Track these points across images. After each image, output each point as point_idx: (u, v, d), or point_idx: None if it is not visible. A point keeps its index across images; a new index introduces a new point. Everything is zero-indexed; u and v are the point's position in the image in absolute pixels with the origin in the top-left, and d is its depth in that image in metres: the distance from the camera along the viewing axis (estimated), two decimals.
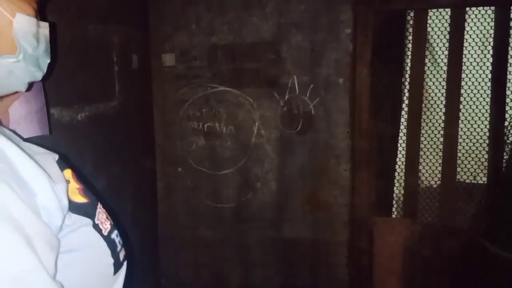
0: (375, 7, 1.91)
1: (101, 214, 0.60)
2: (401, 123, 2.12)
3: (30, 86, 0.68)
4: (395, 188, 2.19)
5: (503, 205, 1.94)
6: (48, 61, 0.68)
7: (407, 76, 2.07)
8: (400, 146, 2.13)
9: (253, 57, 2.02)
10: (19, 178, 0.47)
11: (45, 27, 0.66)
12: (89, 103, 1.69)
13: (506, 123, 1.96)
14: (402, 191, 2.12)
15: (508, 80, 1.95)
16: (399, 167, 2.16)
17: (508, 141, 1.99)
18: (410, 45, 2.04)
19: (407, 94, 2.06)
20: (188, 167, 2.17)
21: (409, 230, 2.04)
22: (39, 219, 0.47)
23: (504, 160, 1.97)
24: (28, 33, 0.61)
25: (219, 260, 2.19)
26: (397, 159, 2.15)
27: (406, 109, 2.07)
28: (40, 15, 0.66)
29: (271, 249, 2.12)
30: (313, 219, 2.05)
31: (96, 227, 0.57)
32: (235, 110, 2.07)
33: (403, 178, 2.11)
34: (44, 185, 0.49)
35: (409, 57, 2.04)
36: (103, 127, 1.78)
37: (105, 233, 0.58)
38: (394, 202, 2.20)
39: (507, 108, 1.95)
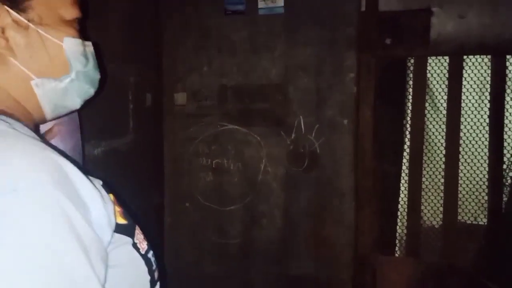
0: (377, 54, 2.02)
1: (139, 235, 0.65)
2: (403, 164, 2.19)
3: (84, 105, 0.74)
4: (397, 227, 2.23)
5: (504, 246, 1.97)
6: (99, 77, 0.74)
7: (408, 118, 2.16)
8: (402, 186, 2.19)
9: (261, 98, 2.12)
10: (78, 195, 0.52)
11: (89, 45, 0.73)
12: (105, 139, 1.77)
13: (504, 166, 2.03)
14: (405, 230, 2.16)
15: (505, 125, 2.04)
16: (401, 207, 2.21)
17: (507, 183, 2.06)
18: (411, 90, 2.14)
19: (408, 136, 2.15)
20: (196, 202, 2.22)
21: (412, 269, 2.06)
22: (95, 233, 0.52)
23: (503, 202, 2.02)
24: (77, 52, 0.68)
25: None
26: (400, 199, 2.20)
27: (407, 150, 2.14)
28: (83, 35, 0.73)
29: (276, 285, 2.14)
30: (318, 256, 2.08)
31: (135, 246, 0.62)
32: (243, 147, 2.15)
33: (405, 217, 2.16)
34: (98, 203, 0.54)
35: (410, 100, 2.14)
36: (116, 162, 1.85)
37: (143, 252, 0.64)
38: (397, 241, 2.23)
39: (504, 151, 2.03)
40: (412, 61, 2.12)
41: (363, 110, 2.05)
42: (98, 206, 0.54)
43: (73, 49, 0.67)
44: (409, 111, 2.15)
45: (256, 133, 2.13)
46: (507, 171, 2.02)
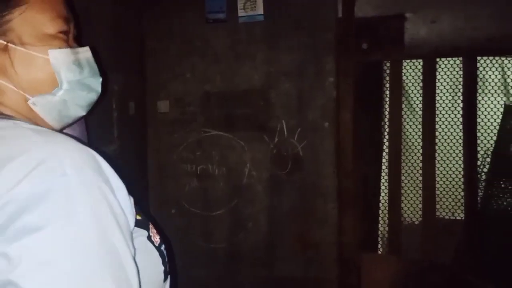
0: (355, 58, 2.10)
1: (152, 229, 0.69)
2: (382, 164, 2.26)
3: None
4: (379, 225, 2.30)
5: (482, 240, 2.06)
6: (100, 79, 0.76)
7: (386, 120, 2.24)
8: (383, 185, 2.26)
9: (244, 103, 2.16)
10: (109, 182, 0.58)
11: (85, 51, 0.74)
12: (92, 148, 1.78)
13: (479, 163, 2.13)
14: (387, 228, 2.23)
15: (478, 123, 2.14)
16: (382, 205, 2.28)
17: (481, 179, 2.15)
18: (388, 92, 2.22)
19: (387, 137, 2.22)
20: (181, 208, 2.24)
21: (395, 266, 2.13)
22: (125, 216, 0.58)
23: (479, 197, 2.11)
24: (67, 62, 0.69)
25: None
26: (380, 198, 2.27)
27: (387, 150, 2.22)
28: (77, 41, 0.74)
29: (263, 287, 2.17)
30: (304, 257, 2.12)
31: (149, 238, 0.67)
32: (227, 152, 2.18)
33: (387, 215, 2.23)
34: (123, 193, 0.60)
35: (387, 102, 2.22)
36: None
37: (156, 245, 0.68)
38: (379, 239, 2.30)
39: (478, 149, 2.12)
40: (388, 64, 2.20)
41: (343, 113, 2.11)
42: (124, 195, 0.60)
43: (61, 59, 0.68)
44: (386, 113, 2.23)
45: (240, 138, 2.17)
46: (481, 167, 2.11)
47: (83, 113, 0.75)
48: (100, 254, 0.52)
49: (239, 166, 2.17)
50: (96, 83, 0.76)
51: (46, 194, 0.50)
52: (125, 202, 0.60)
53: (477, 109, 2.13)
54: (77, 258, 0.50)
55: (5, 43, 0.64)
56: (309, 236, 2.10)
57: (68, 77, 0.69)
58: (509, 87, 2.27)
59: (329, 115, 2.08)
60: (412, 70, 2.26)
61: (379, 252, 2.30)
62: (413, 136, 2.26)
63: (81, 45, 0.75)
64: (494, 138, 2.18)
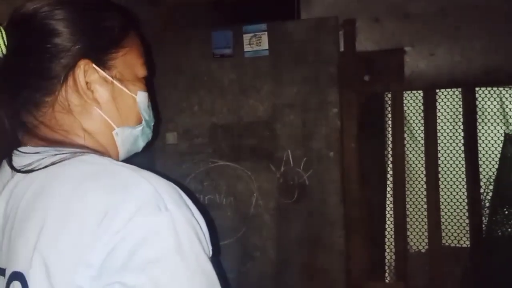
0: (357, 90, 2.17)
1: None
2: (387, 192, 2.30)
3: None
4: (386, 253, 2.31)
5: (488, 267, 2.07)
6: (153, 123, 0.85)
7: (389, 149, 2.29)
8: (388, 213, 2.29)
9: (250, 134, 2.22)
10: (195, 216, 0.64)
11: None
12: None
13: (482, 190, 2.16)
14: (393, 256, 2.24)
15: (479, 152, 2.18)
16: (388, 233, 2.30)
17: (485, 207, 2.18)
18: (390, 122, 2.29)
19: (390, 165, 2.27)
20: None
21: None
22: (208, 246, 0.65)
23: (483, 224, 2.14)
24: (145, 104, 0.80)
25: None
26: (386, 226, 2.30)
27: (391, 178, 2.26)
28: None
29: None
30: (311, 285, 2.13)
31: None
32: (235, 182, 2.23)
33: (393, 243, 2.25)
34: (203, 222, 0.66)
35: (390, 132, 2.28)
36: None
37: None
38: (386, 267, 2.30)
39: (481, 176, 2.16)
40: (389, 95, 2.27)
41: (347, 143, 2.17)
42: (203, 223, 0.66)
43: (143, 101, 0.79)
44: (389, 142, 2.29)
45: (247, 168, 2.22)
46: (484, 195, 2.15)
47: (140, 149, 0.84)
48: (202, 280, 0.59)
49: (246, 195, 2.21)
50: (152, 125, 0.85)
51: (157, 228, 0.58)
52: (206, 230, 0.66)
53: (478, 138, 2.18)
54: (191, 282, 0.58)
55: (111, 78, 0.73)
56: (316, 264, 2.12)
57: (145, 117, 0.80)
58: (508, 117, 2.33)
59: (334, 145, 2.13)
60: (413, 101, 2.33)
61: (387, 280, 2.30)
62: (416, 164, 2.31)
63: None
64: (496, 166, 2.23)
